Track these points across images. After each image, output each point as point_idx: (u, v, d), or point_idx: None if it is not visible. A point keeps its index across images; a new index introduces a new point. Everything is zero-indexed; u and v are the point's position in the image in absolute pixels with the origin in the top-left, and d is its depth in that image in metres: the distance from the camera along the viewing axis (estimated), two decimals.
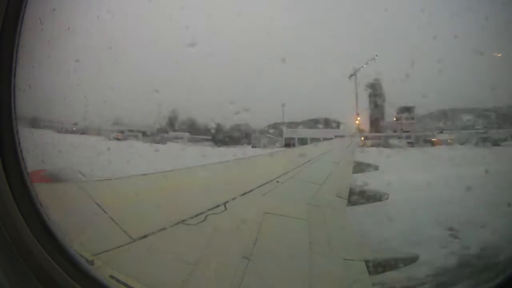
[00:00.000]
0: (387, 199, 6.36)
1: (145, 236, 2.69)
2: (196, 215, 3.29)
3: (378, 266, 3.29)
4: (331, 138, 14.27)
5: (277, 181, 5.24)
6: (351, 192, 5.49)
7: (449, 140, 14.57)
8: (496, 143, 12.84)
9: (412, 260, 3.76)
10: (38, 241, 1.65)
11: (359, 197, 5.70)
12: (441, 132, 15.32)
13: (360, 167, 8.45)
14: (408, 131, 15.88)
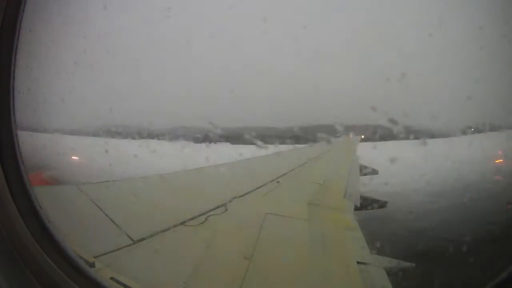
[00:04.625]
0: None
1: (145, 238, 2.69)
2: (197, 216, 3.29)
3: None
4: None
5: (278, 182, 5.24)
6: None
7: None
8: None
9: (407, 270, 3.76)
10: (39, 244, 1.65)
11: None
12: None
13: None
14: None
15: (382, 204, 6.59)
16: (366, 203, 6.10)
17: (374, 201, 6.47)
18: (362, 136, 15.75)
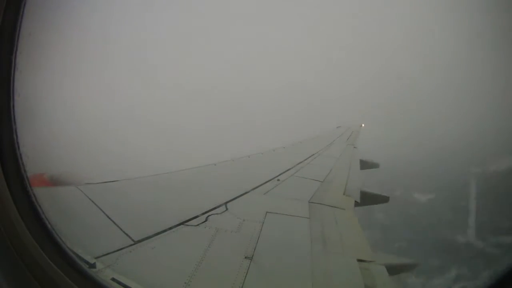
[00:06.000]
0: None
1: (146, 238, 2.69)
2: (197, 216, 3.29)
3: None
4: None
5: (278, 180, 5.24)
6: None
7: None
8: None
9: (412, 266, 3.77)
10: (39, 245, 1.66)
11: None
12: None
13: None
14: None
15: (384, 199, 6.60)
16: (368, 198, 6.12)
17: (376, 196, 6.47)
18: (363, 125, 15.64)
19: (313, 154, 7.95)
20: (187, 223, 3.12)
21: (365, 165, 9.07)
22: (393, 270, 3.49)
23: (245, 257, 2.63)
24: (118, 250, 2.45)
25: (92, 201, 3.36)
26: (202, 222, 3.19)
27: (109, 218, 2.98)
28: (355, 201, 4.88)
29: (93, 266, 2.10)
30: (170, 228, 2.94)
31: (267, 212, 3.67)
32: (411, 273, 3.78)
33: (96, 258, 2.24)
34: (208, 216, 3.34)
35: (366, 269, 2.76)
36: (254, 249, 2.78)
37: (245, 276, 2.37)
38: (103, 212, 3.12)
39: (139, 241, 2.63)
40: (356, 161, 8.12)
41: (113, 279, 2.08)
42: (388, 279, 2.75)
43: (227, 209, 3.64)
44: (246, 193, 4.35)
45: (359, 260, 2.89)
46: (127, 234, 2.70)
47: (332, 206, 4.38)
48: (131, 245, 2.57)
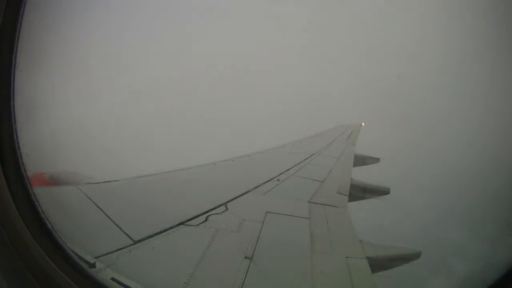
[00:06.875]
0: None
1: (146, 238, 2.69)
2: (197, 216, 3.29)
3: (381, 263, 3.30)
4: None
5: (278, 180, 5.23)
6: None
7: None
8: None
9: (415, 256, 3.77)
10: (39, 245, 1.66)
11: None
12: None
13: None
14: None
15: (384, 191, 6.60)
16: (368, 191, 6.11)
17: (376, 188, 6.48)
18: (363, 124, 15.58)
19: (313, 154, 7.94)
20: (187, 223, 3.12)
21: (365, 160, 9.08)
22: (396, 261, 3.52)
23: (245, 257, 2.63)
24: (118, 250, 2.45)
25: (92, 201, 3.36)
26: (202, 222, 3.19)
27: (109, 218, 2.98)
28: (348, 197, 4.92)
29: (93, 265, 2.10)
30: (170, 228, 2.94)
31: (267, 212, 3.68)
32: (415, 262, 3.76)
33: (96, 257, 2.24)
34: (208, 216, 3.34)
35: (353, 265, 2.79)
36: (254, 249, 2.78)
37: (245, 276, 2.37)
38: (103, 212, 3.12)
39: (139, 241, 2.63)
40: (350, 158, 8.13)
41: (113, 279, 2.08)
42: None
43: (227, 209, 3.64)
44: (246, 193, 4.35)
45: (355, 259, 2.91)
46: (127, 234, 2.70)
47: (333, 206, 4.38)
48: (131, 245, 2.57)
